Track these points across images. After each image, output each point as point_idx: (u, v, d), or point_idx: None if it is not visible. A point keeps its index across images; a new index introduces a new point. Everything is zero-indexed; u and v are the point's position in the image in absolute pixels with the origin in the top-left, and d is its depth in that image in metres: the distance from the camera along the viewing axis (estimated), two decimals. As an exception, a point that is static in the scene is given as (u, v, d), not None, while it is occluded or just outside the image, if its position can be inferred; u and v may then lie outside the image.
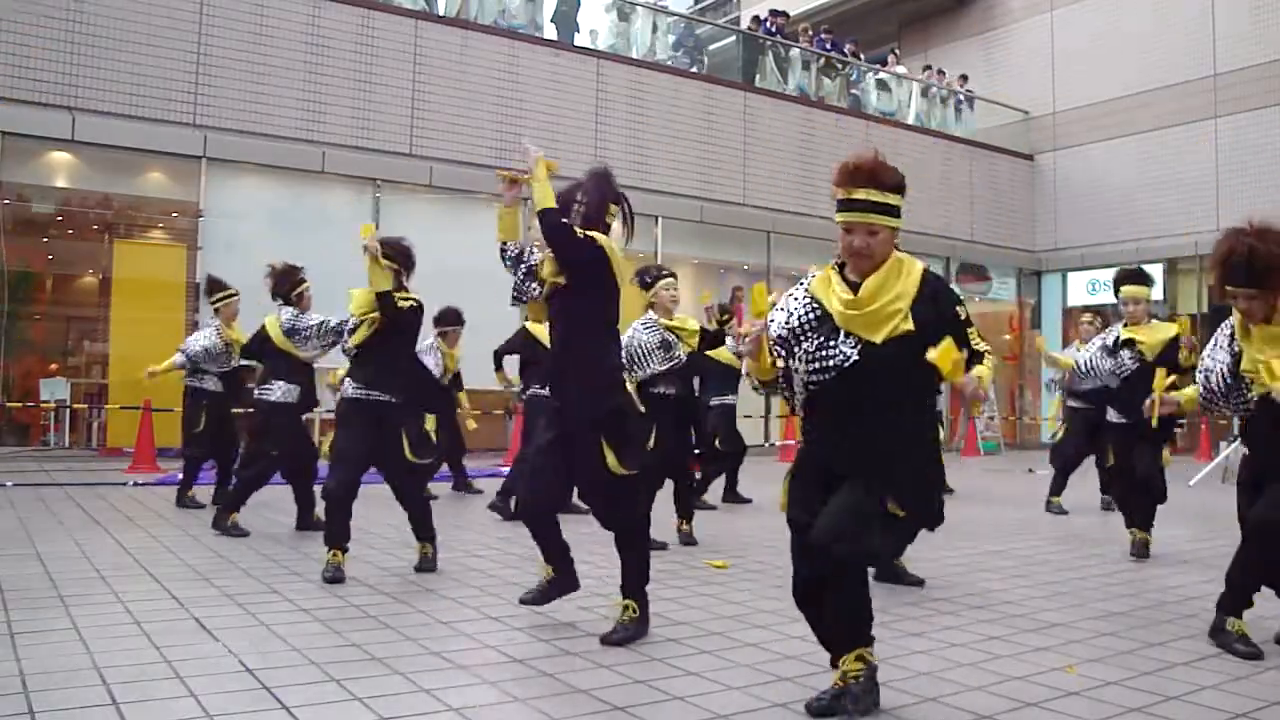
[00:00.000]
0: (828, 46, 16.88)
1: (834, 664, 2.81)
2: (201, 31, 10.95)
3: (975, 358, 2.77)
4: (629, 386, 4.36)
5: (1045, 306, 18.32)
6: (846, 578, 2.68)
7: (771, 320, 2.84)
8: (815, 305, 2.79)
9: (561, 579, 3.85)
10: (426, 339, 7.65)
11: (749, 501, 7.93)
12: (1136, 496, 5.65)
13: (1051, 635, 3.86)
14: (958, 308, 2.78)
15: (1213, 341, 3.82)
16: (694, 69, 15.03)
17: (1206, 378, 3.76)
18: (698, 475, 7.04)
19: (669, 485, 6.08)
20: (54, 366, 11.99)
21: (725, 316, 6.12)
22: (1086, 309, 7.99)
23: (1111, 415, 5.73)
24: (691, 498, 6.18)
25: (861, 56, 17.51)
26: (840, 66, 16.85)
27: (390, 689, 3.00)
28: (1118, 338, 5.52)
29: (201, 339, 6.95)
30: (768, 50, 15.96)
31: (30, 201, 11.14)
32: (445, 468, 8.61)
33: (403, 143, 12.06)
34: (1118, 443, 5.70)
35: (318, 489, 5.55)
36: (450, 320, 7.89)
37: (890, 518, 2.68)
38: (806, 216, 14.90)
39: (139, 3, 10.63)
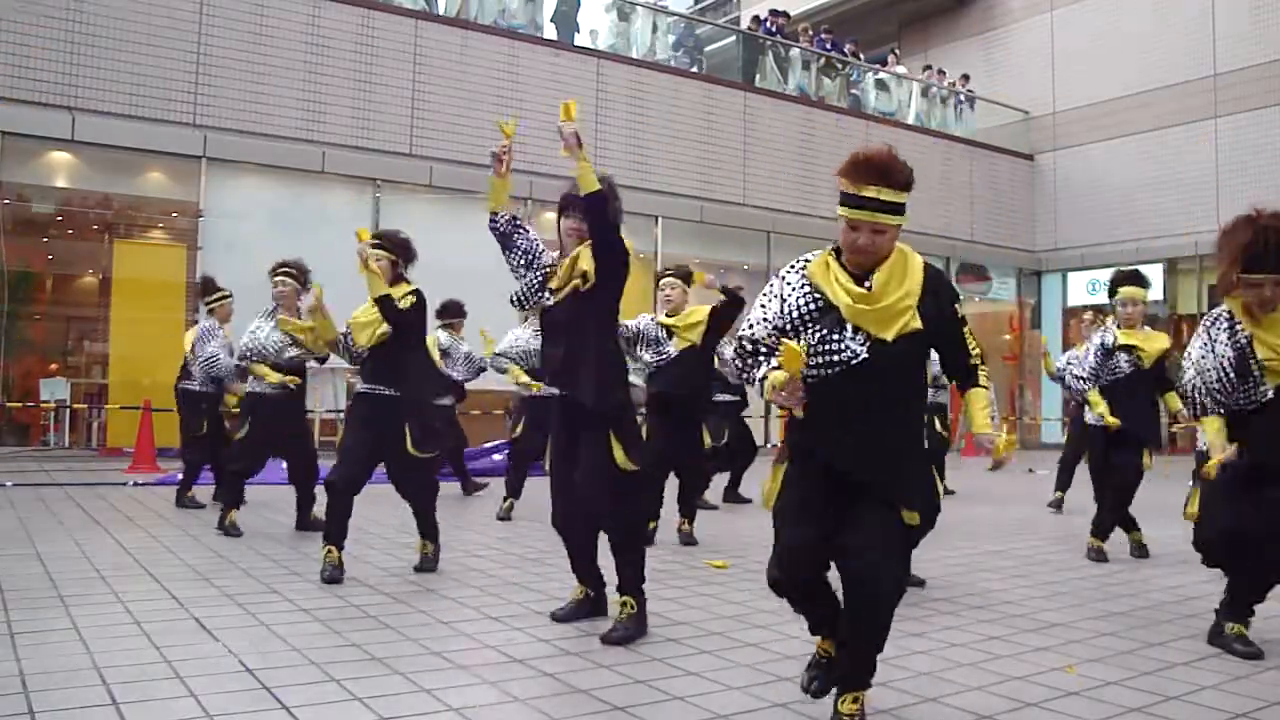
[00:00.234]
0: (828, 46, 16.89)
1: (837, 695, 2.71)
2: (201, 31, 10.95)
3: (972, 373, 2.77)
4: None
5: (1045, 306, 18.32)
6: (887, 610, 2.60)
7: (762, 307, 2.70)
8: (817, 295, 2.63)
9: (593, 601, 3.92)
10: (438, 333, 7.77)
11: (749, 501, 7.94)
12: (1114, 498, 5.65)
13: (1051, 635, 3.86)
14: (956, 305, 2.72)
15: (1201, 342, 3.64)
16: (694, 69, 15.03)
17: (1204, 378, 3.61)
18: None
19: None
20: (54, 366, 12.00)
21: (730, 301, 6.01)
22: (1087, 308, 8.01)
23: (1091, 418, 5.70)
24: (694, 497, 6.17)
25: (861, 56, 17.52)
26: (840, 66, 16.85)
27: (390, 689, 3.00)
28: (1115, 340, 5.47)
29: (209, 347, 6.87)
30: (768, 50, 15.97)
31: (30, 201, 11.15)
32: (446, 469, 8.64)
33: (403, 143, 12.06)
34: (1100, 445, 5.68)
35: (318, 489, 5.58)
36: (453, 313, 8.01)
37: (906, 530, 2.65)
38: (806, 216, 14.90)
39: (139, 3, 10.64)
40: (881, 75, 17.42)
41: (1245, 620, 3.67)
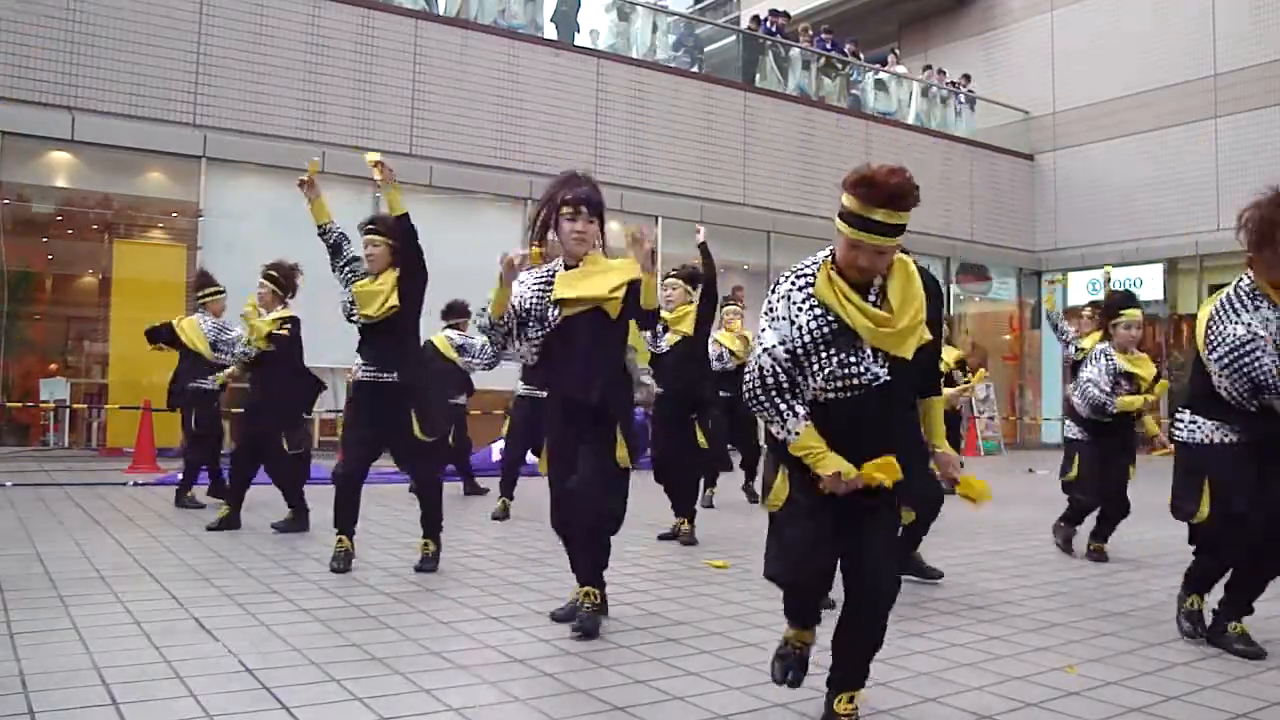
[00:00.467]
0: (828, 46, 16.89)
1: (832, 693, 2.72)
2: (201, 31, 10.95)
3: (937, 381, 2.77)
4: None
5: (1045, 306, 18.30)
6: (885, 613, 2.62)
7: (774, 329, 2.55)
8: (830, 317, 2.51)
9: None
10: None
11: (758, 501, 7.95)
12: (1114, 509, 5.64)
13: (1051, 635, 3.86)
14: (943, 312, 2.71)
15: (1233, 339, 3.43)
16: (694, 69, 15.03)
17: (1252, 375, 3.41)
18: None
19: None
20: (54, 366, 12.00)
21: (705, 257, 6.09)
22: (1086, 306, 7.97)
23: (1076, 432, 5.71)
24: (690, 497, 6.17)
25: (861, 56, 17.51)
26: (840, 66, 16.85)
27: (390, 689, 3.00)
28: (1118, 367, 5.38)
29: (233, 334, 7.00)
30: (768, 50, 15.97)
31: (30, 201, 11.15)
32: (448, 468, 8.66)
33: (403, 143, 12.06)
34: (1089, 456, 5.66)
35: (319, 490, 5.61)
36: (458, 312, 8.03)
37: (900, 529, 2.70)
38: (806, 216, 14.90)
39: (139, 3, 10.64)
40: (881, 75, 17.42)
41: (1240, 615, 3.68)
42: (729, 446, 8.06)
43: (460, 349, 7.85)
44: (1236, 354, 3.44)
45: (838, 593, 2.71)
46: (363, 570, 4.87)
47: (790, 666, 2.82)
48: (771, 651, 2.86)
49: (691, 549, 5.82)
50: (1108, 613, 4.29)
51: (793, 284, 2.57)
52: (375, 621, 3.85)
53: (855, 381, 2.50)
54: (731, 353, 7.84)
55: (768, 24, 16.40)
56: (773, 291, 2.60)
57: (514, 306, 3.71)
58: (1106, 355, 5.42)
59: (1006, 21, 18.86)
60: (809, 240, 14.36)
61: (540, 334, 3.70)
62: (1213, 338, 3.54)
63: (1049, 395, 17.14)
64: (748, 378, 2.59)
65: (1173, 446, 5.11)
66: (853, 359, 2.50)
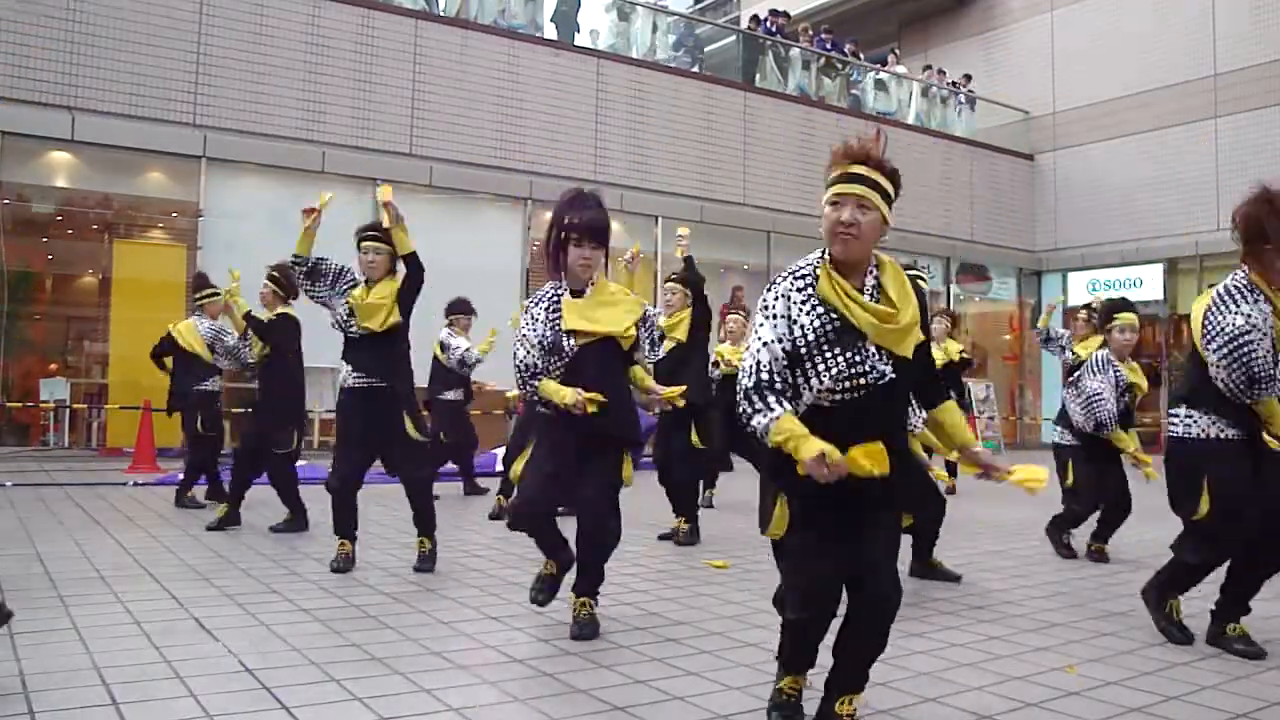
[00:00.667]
0: (828, 46, 16.89)
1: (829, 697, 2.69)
2: (201, 31, 10.95)
3: (938, 388, 2.72)
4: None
5: (1045, 306, 18.32)
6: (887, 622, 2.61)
7: (772, 328, 2.50)
8: (834, 315, 2.49)
9: (565, 566, 3.86)
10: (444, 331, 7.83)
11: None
12: (1115, 514, 5.64)
13: (1051, 635, 3.86)
14: (926, 314, 2.67)
15: (1231, 329, 3.45)
16: (694, 69, 15.03)
17: (1249, 365, 3.42)
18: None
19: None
20: (54, 366, 11.99)
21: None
22: (1083, 307, 7.92)
23: (1069, 439, 5.67)
24: (690, 498, 6.18)
25: (861, 56, 17.51)
26: (840, 66, 16.85)
27: (390, 689, 3.00)
28: (1125, 380, 5.34)
29: (230, 339, 7.05)
30: (768, 50, 15.97)
31: (30, 201, 11.14)
32: (449, 467, 8.66)
33: (403, 143, 12.06)
34: (1080, 460, 5.62)
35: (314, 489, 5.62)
36: (460, 309, 8.03)
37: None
38: (806, 216, 14.89)
39: (139, 3, 10.64)
40: (881, 75, 17.42)
41: (1238, 616, 3.69)
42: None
43: (442, 345, 7.87)
44: (1235, 344, 3.45)
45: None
46: (363, 570, 4.88)
47: (789, 715, 2.74)
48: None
49: (692, 549, 5.82)
50: (1108, 613, 4.29)
51: (791, 284, 2.54)
52: (375, 621, 3.85)
53: (862, 380, 2.47)
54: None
55: (767, 24, 16.40)
56: (769, 291, 2.57)
57: (537, 342, 3.66)
58: (1114, 367, 5.30)
59: (1006, 21, 18.86)
60: (809, 240, 14.32)
61: (560, 365, 3.66)
62: (1210, 328, 3.53)
63: (1049, 395, 17.13)
64: (742, 373, 2.51)
65: (1148, 461, 5.10)
66: (858, 358, 2.47)
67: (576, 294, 3.70)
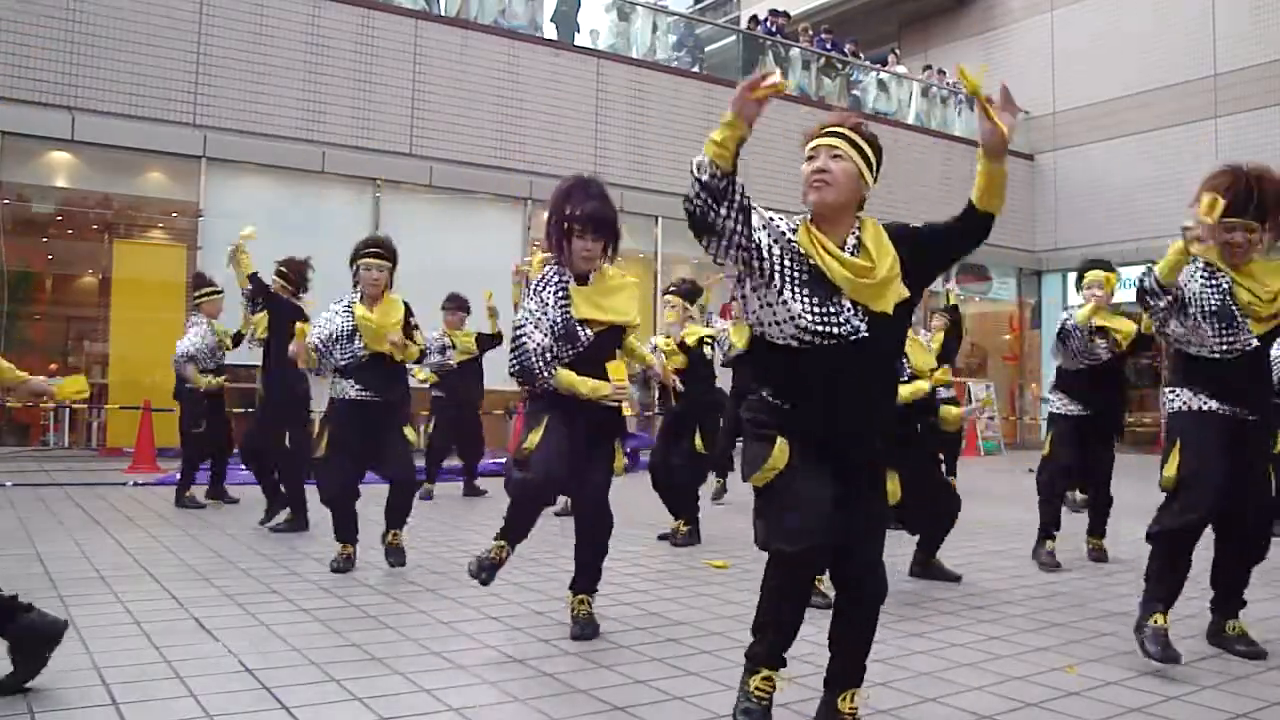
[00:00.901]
0: (828, 46, 16.89)
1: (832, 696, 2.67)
2: (201, 31, 10.95)
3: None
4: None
5: (1045, 306, 18.33)
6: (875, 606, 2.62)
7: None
8: (809, 261, 2.50)
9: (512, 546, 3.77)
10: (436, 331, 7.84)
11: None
12: (1098, 502, 5.65)
13: (1051, 635, 3.86)
14: (915, 227, 2.69)
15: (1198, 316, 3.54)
16: (694, 69, 15.03)
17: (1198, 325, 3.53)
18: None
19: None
20: (54, 366, 12.00)
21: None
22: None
23: (1062, 405, 5.56)
24: (687, 500, 6.18)
25: (861, 56, 17.51)
26: (840, 66, 16.85)
27: (390, 689, 3.00)
28: (1090, 325, 5.35)
29: (191, 337, 7.07)
30: (768, 50, 15.96)
31: (30, 201, 11.15)
32: (450, 467, 8.68)
33: (403, 143, 12.06)
34: (1071, 441, 5.52)
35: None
36: (452, 303, 8.04)
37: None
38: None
39: (139, 3, 10.64)
40: (882, 75, 17.42)
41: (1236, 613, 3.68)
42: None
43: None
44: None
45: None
46: (363, 570, 4.88)
47: None
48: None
49: (692, 549, 5.82)
50: (1108, 613, 4.29)
51: (776, 216, 2.60)
52: (375, 621, 3.85)
53: (835, 331, 2.45)
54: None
55: (767, 24, 16.39)
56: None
57: (550, 327, 3.59)
58: (1065, 321, 5.45)
59: (1006, 21, 18.86)
60: (809, 240, 14.36)
61: (571, 353, 3.60)
62: None
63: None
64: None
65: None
66: (832, 309, 2.46)
67: (580, 280, 3.68)
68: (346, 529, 4.92)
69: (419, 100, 12.18)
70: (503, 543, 3.69)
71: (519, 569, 4.99)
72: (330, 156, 11.54)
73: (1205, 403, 3.57)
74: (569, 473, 3.63)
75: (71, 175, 11.04)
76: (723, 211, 2.43)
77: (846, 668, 2.65)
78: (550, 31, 13.77)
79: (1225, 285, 3.56)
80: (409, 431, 5.02)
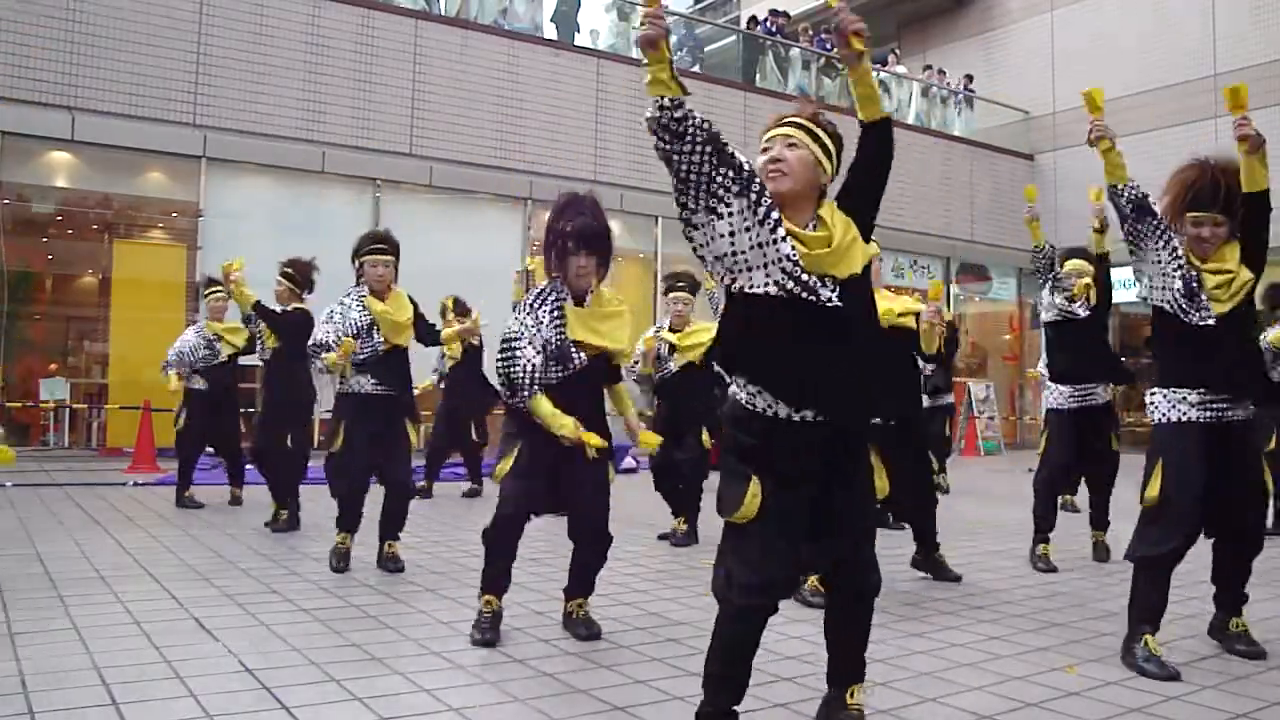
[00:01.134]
0: (828, 46, 16.87)
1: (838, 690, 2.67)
2: (201, 31, 10.95)
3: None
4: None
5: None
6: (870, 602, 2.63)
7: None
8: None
9: (499, 594, 3.75)
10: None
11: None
12: (1098, 495, 5.68)
13: (1051, 635, 3.86)
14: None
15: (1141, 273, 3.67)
16: (694, 69, 15.03)
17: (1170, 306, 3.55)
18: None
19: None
20: (54, 366, 12.00)
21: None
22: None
23: (1059, 400, 5.53)
24: (689, 498, 6.18)
25: (861, 56, 17.50)
26: (840, 66, 16.84)
27: (390, 689, 3.00)
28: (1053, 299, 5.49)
29: (177, 344, 7.15)
30: (767, 50, 15.97)
31: (30, 201, 11.14)
32: (449, 467, 8.68)
33: (403, 143, 12.06)
34: (1067, 433, 5.51)
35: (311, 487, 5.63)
36: (457, 308, 8.02)
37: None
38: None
39: (139, 3, 10.64)
40: (881, 75, 17.42)
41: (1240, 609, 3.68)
42: None
43: None
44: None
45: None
46: (363, 570, 4.88)
47: None
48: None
49: (692, 549, 5.82)
50: (1108, 613, 4.29)
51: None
52: (375, 621, 3.86)
53: (817, 291, 2.39)
54: None
55: (767, 24, 16.40)
56: None
57: (543, 345, 3.55)
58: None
59: (1006, 22, 18.86)
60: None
61: (561, 374, 3.56)
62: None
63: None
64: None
65: None
66: (802, 277, 2.39)
67: (577, 301, 3.66)
68: (352, 519, 4.94)
69: (419, 100, 12.18)
70: (489, 597, 3.68)
71: (519, 569, 4.97)
72: (330, 156, 11.54)
73: (1185, 412, 3.50)
74: (548, 494, 3.67)
75: (71, 175, 11.04)
76: (685, 148, 2.34)
77: (849, 662, 2.65)
78: (550, 31, 13.78)
79: (1192, 274, 3.56)
80: (411, 431, 5.04)
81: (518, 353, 3.52)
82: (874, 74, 2.55)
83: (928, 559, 4.99)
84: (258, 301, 6.17)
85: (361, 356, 4.83)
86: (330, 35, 11.66)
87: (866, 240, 2.53)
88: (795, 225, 2.44)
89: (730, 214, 2.38)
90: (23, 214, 11.11)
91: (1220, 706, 3.01)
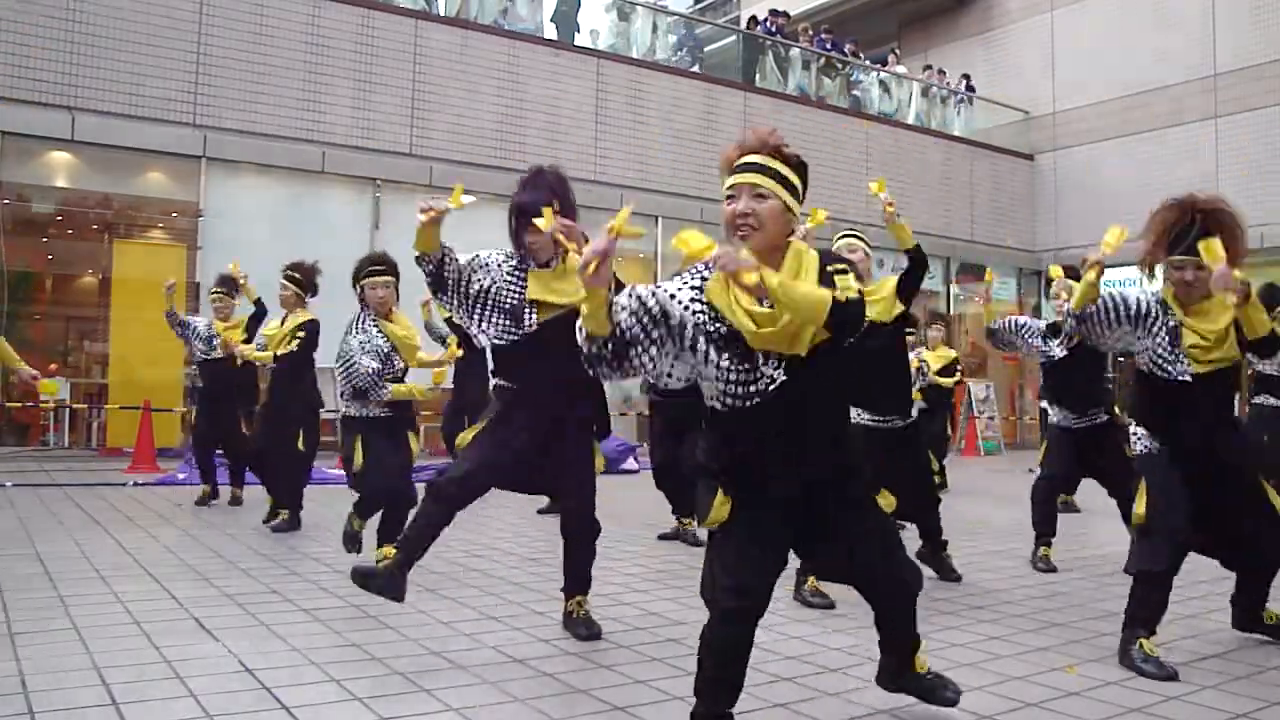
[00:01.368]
0: (828, 46, 16.89)
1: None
2: (201, 31, 10.95)
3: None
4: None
5: (1045, 306, 18.32)
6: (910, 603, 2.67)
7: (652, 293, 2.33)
8: (719, 321, 2.33)
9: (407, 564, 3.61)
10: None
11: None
12: (1120, 501, 5.65)
13: (1051, 635, 3.86)
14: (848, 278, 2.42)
15: (1120, 320, 3.49)
16: (694, 69, 15.03)
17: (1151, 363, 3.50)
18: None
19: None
20: (54, 366, 12.00)
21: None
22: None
23: (1057, 415, 5.52)
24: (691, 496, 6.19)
25: (861, 56, 17.51)
26: (840, 66, 16.85)
27: (390, 689, 3.00)
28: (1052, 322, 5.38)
29: (191, 317, 7.37)
30: (768, 50, 15.97)
31: (30, 201, 11.14)
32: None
33: (403, 143, 12.06)
34: (1065, 450, 5.47)
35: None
36: None
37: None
38: (805, 216, 14.88)
39: (139, 3, 10.64)
40: (882, 75, 17.42)
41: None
42: None
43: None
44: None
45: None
46: (363, 570, 4.88)
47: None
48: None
49: (692, 549, 5.82)
50: (1108, 613, 4.29)
51: (684, 279, 2.40)
52: (375, 621, 3.85)
53: (752, 388, 2.34)
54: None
55: (767, 24, 16.39)
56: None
57: (478, 287, 3.54)
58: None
59: (1006, 22, 18.86)
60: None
61: (508, 331, 3.51)
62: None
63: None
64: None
65: None
66: (745, 365, 2.33)
67: (543, 267, 3.62)
68: (364, 511, 4.97)
69: (419, 100, 12.18)
70: (388, 549, 3.58)
71: (519, 569, 4.99)
72: (330, 156, 11.54)
73: (1158, 444, 3.53)
74: (519, 471, 3.61)
75: (71, 175, 11.04)
76: (634, 353, 2.29)
77: (900, 638, 2.70)
78: (550, 31, 13.78)
79: (1173, 324, 3.48)
80: (412, 440, 5.12)
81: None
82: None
83: (934, 555, 4.98)
84: (258, 299, 6.47)
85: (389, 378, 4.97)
86: (330, 35, 11.66)
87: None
88: (766, 266, 2.28)
89: (674, 359, 2.37)
90: (23, 214, 11.11)
91: (1220, 706, 3.01)
